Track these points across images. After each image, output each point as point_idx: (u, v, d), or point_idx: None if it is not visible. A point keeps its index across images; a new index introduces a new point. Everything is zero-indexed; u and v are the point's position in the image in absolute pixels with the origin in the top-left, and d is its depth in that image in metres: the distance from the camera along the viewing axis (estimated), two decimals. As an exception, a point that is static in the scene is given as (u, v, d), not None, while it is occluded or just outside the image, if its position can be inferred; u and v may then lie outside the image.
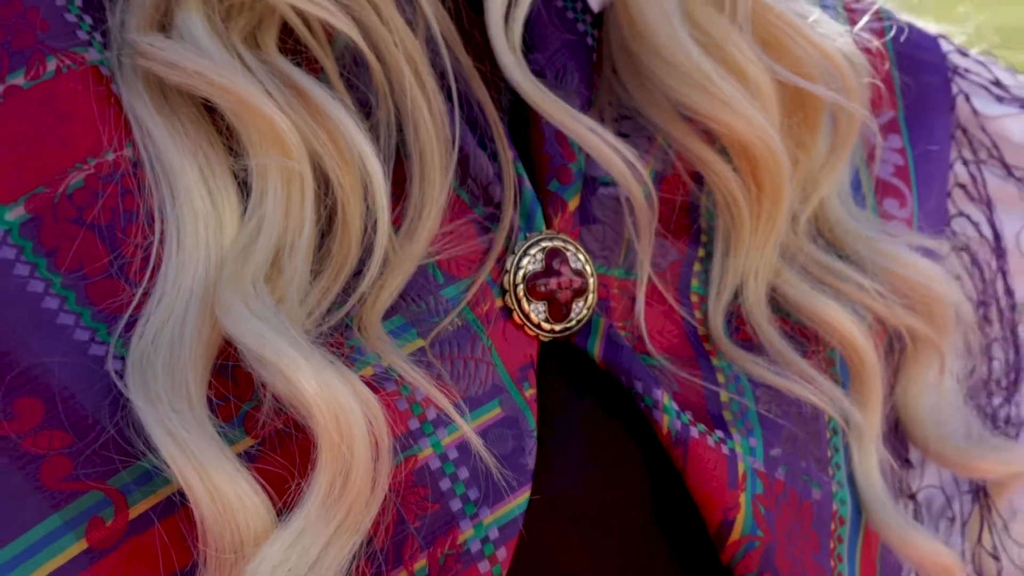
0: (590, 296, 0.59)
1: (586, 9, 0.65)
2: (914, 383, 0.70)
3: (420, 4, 0.57)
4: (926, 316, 0.69)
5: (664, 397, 0.58)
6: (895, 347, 0.69)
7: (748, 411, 0.62)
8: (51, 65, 0.54)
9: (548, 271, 0.58)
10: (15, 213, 0.53)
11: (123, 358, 0.52)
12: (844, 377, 0.67)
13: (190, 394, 0.50)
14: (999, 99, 0.79)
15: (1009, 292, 0.77)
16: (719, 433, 0.60)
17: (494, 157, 0.59)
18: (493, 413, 0.55)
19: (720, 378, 0.62)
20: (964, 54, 0.80)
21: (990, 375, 0.76)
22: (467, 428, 0.53)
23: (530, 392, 0.56)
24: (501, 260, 0.58)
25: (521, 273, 0.58)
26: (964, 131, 0.78)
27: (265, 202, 0.53)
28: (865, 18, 0.74)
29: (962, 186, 0.75)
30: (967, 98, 0.78)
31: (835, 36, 0.67)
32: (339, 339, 0.53)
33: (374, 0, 0.55)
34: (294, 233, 0.53)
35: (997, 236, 0.78)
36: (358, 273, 0.54)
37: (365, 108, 0.56)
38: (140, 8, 0.55)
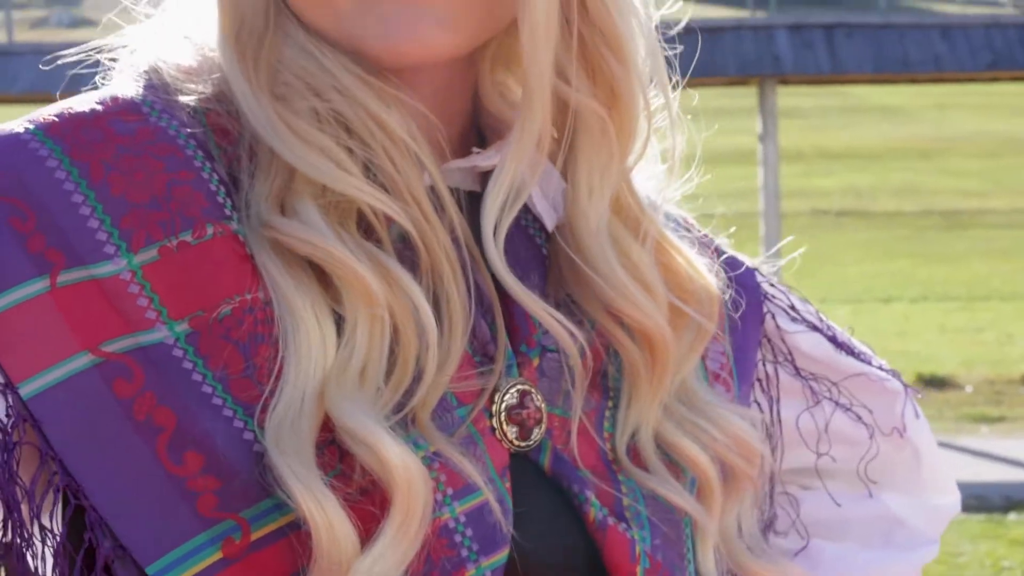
0: (543, 425, 0.87)
1: (542, 228, 0.93)
2: (734, 506, 0.97)
3: (448, 210, 0.85)
4: (747, 460, 0.96)
5: (591, 496, 0.87)
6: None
7: (640, 513, 0.90)
8: (209, 230, 0.81)
9: (521, 405, 0.86)
10: (182, 327, 0.80)
11: (253, 431, 0.79)
12: (693, 494, 0.95)
13: (306, 454, 0.76)
14: (793, 319, 1.09)
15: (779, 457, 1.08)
16: (623, 525, 0.88)
17: (489, 324, 0.86)
18: (484, 496, 0.82)
19: (624, 489, 0.90)
20: (771, 284, 1.10)
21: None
22: (491, 496, 0.82)
23: (507, 484, 0.84)
24: (492, 395, 0.86)
25: (504, 404, 0.86)
26: (769, 340, 1.08)
27: (356, 335, 0.80)
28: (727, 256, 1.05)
29: (759, 380, 1.05)
30: (773, 316, 1.08)
31: (708, 270, 0.95)
32: (400, 431, 0.80)
33: (420, 203, 0.82)
34: (374, 357, 0.80)
35: (775, 420, 1.07)
36: (407, 391, 0.81)
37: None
38: (264, 195, 0.82)
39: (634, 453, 0.91)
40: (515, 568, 0.82)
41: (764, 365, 1.07)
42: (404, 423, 0.80)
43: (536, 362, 0.88)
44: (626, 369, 0.93)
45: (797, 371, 1.09)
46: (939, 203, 30.52)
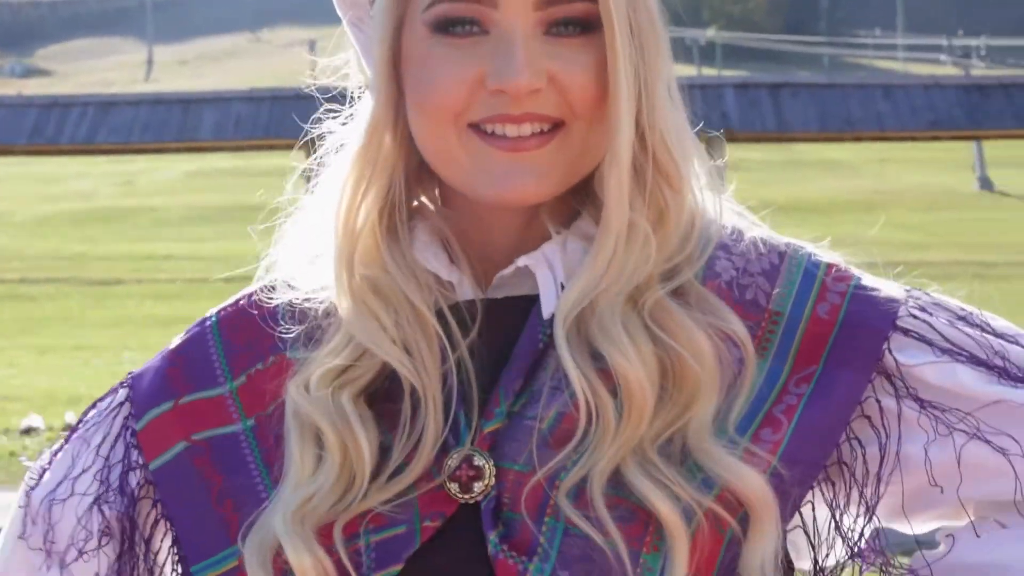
0: (487, 480, 1.10)
1: (542, 321, 1.14)
2: (755, 544, 1.07)
3: (462, 354, 1.15)
4: (743, 504, 1.06)
5: (492, 535, 1.08)
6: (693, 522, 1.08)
7: (549, 550, 1.07)
8: (271, 359, 1.19)
9: (459, 467, 1.09)
10: (251, 422, 1.16)
11: (268, 494, 1.16)
12: (661, 544, 1.06)
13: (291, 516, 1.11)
14: (930, 349, 1.11)
15: (877, 490, 1.11)
16: (517, 558, 1.07)
17: (466, 411, 1.14)
18: (396, 532, 1.11)
19: (544, 529, 1.08)
20: (919, 311, 1.13)
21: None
22: (401, 532, 1.12)
23: (428, 524, 1.10)
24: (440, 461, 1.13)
25: (447, 468, 1.12)
26: (888, 377, 1.11)
27: (324, 468, 1.11)
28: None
29: (867, 417, 1.10)
30: (892, 352, 1.11)
31: (706, 335, 1.10)
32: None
33: (426, 363, 1.12)
34: (327, 491, 1.11)
35: (884, 453, 1.10)
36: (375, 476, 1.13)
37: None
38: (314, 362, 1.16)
39: (581, 495, 1.07)
40: None
41: (879, 400, 1.11)
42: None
43: (490, 429, 1.11)
44: (600, 423, 1.08)
45: (921, 404, 1.10)
46: (882, 255, 31.06)
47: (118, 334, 24.13)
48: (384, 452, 1.10)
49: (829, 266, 1.18)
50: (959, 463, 1.08)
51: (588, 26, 1.09)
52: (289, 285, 1.18)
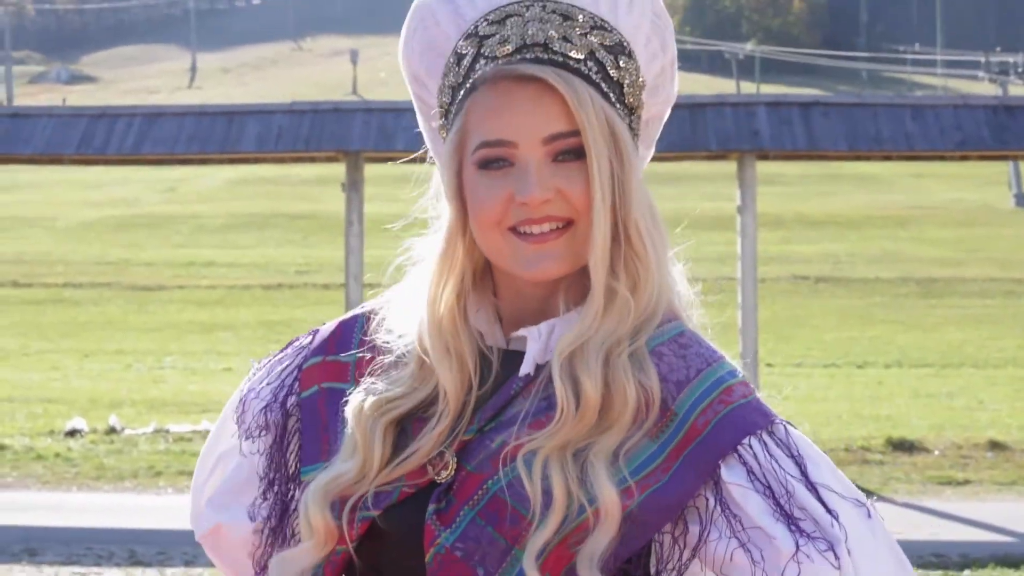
0: (450, 471, 1.56)
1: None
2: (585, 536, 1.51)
3: (492, 366, 1.60)
4: (604, 512, 1.47)
5: (431, 508, 1.53)
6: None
7: (460, 522, 1.52)
8: (368, 356, 1.68)
9: (432, 460, 1.59)
10: (351, 387, 1.61)
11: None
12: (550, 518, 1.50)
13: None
14: (750, 477, 1.51)
15: (684, 563, 1.53)
16: (438, 527, 1.52)
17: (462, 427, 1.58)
18: (391, 489, 1.59)
19: (463, 510, 1.53)
20: (752, 446, 1.51)
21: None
22: (386, 495, 1.59)
23: (406, 490, 1.57)
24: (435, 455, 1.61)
25: (430, 459, 1.59)
26: (715, 484, 1.52)
27: (353, 460, 1.59)
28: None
29: (697, 508, 1.53)
30: (722, 469, 1.51)
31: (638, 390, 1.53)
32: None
33: (458, 392, 1.60)
34: (349, 470, 1.59)
35: (700, 535, 1.51)
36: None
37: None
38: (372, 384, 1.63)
39: (516, 484, 1.51)
40: (382, 524, 1.55)
41: (705, 496, 1.52)
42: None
43: (465, 438, 1.55)
44: (562, 418, 1.52)
45: (724, 510, 1.52)
46: (915, 271, 31.13)
47: (160, 339, 24.48)
48: (403, 447, 1.59)
49: (728, 388, 1.55)
50: (731, 559, 1.51)
51: (582, 152, 1.55)
52: (388, 328, 1.66)
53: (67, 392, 18.28)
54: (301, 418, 1.67)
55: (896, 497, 11.21)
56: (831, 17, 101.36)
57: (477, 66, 1.59)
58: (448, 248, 1.59)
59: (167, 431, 14.34)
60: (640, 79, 1.61)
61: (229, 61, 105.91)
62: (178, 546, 9.46)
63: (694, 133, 13.06)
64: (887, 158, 14.23)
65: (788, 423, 1.55)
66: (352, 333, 1.69)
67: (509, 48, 1.58)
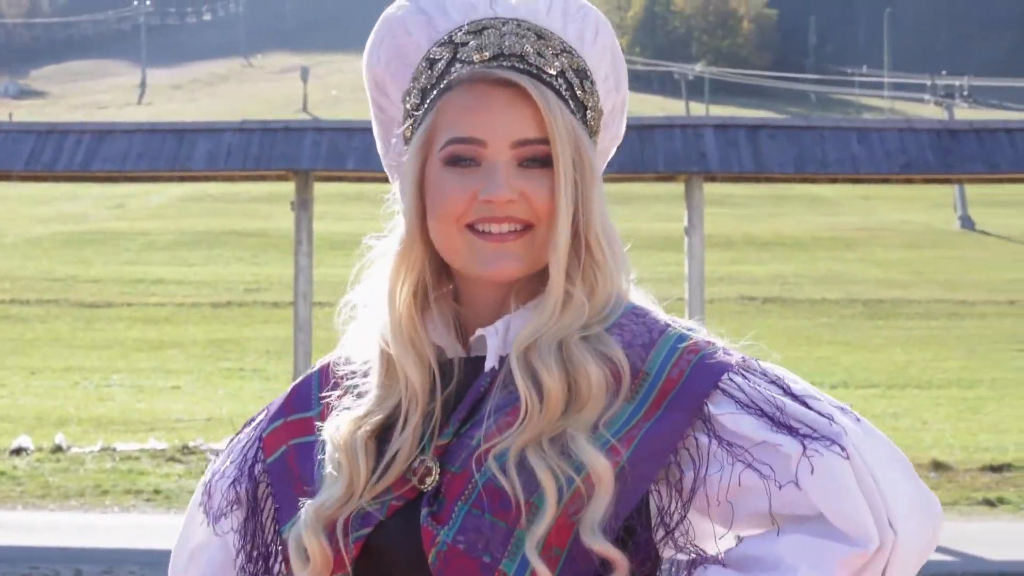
0: (433, 477, 1.57)
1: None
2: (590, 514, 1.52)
3: (452, 377, 1.62)
4: (597, 481, 1.50)
5: (424, 511, 1.54)
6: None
7: (455, 520, 1.53)
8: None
9: (419, 467, 1.59)
10: (320, 437, 1.68)
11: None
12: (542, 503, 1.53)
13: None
14: (736, 404, 1.53)
15: (690, 498, 1.53)
16: (435, 526, 1.53)
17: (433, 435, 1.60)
18: (373, 508, 1.59)
19: (455, 509, 1.55)
20: (732, 379, 1.53)
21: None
22: (375, 509, 1.59)
23: (393, 503, 1.58)
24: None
25: (410, 467, 1.60)
26: (704, 421, 1.53)
27: (338, 482, 1.61)
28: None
29: (687, 449, 1.55)
30: (708, 405, 1.53)
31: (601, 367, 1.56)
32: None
33: (420, 402, 1.60)
34: (335, 496, 1.60)
35: (695, 475, 1.52)
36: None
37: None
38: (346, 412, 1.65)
39: (503, 462, 1.53)
40: (377, 541, 1.56)
41: (695, 437, 1.54)
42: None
43: (442, 443, 1.57)
44: (528, 415, 1.54)
45: (719, 442, 1.53)
46: (862, 292, 31.36)
47: (107, 356, 24.35)
48: (380, 459, 1.61)
49: (691, 341, 1.60)
50: (739, 484, 1.52)
51: (547, 162, 1.61)
52: (348, 360, 1.68)
53: (13, 410, 18.14)
54: (271, 482, 1.69)
55: (840, 516, 11.29)
56: (780, 39, 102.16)
57: (452, 69, 1.63)
58: (406, 246, 1.62)
59: (114, 449, 14.28)
60: (599, 106, 1.68)
61: (179, 77, 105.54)
62: (124, 564, 9.43)
63: (643, 154, 13.17)
64: (833, 180, 14.38)
65: (756, 359, 1.59)
66: (309, 391, 1.72)
67: (487, 55, 1.63)
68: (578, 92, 1.64)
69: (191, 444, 14.32)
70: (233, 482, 1.70)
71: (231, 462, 1.72)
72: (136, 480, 12.51)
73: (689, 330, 1.61)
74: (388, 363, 1.63)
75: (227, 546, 1.70)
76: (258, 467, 1.70)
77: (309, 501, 1.60)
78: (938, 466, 13.63)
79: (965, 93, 59.75)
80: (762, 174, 13.52)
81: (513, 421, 1.55)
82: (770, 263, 34.70)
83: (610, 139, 1.74)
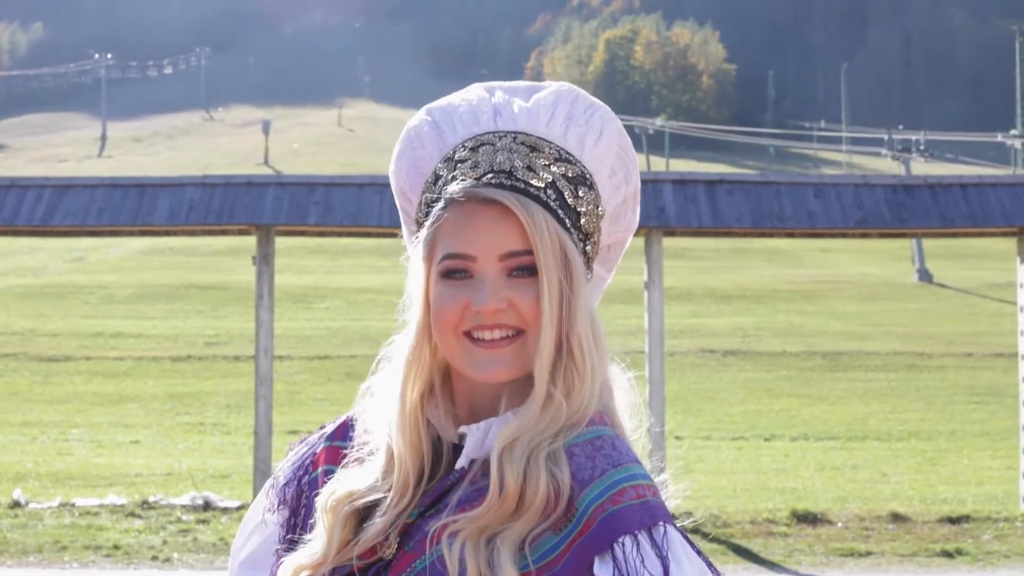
0: (391, 548, 1.76)
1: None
2: None
3: (442, 459, 1.80)
4: None
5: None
6: None
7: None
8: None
9: (383, 539, 1.77)
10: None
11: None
12: None
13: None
14: (617, 572, 1.65)
15: None
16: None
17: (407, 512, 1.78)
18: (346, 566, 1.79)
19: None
20: (624, 545, 1.65)
21: None
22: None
23: (358, 564, 1.77)
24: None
25: (379, 543, 1.78)
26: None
27: (318, 544, 1.82)
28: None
29: None
30: (595, 565, 1.66)
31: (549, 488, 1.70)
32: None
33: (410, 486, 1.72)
34: (314, 554, 1.82)
35: None
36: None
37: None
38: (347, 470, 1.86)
39: (438, 564, 1.68)
40: None
41: None
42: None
43: (405, 522, 1.73)
44: (482, 509, 1.69)
45: None
46: (821, 344, 31.51)
47: (66, 411, 24.15)
48: (360, 528, 1.77)
49: (621, 489, 1.69)
50: None
51: (534, 271, 1.73)
52: (365, 430, 1.85)
53: (-30, 465, 17.97)
54: (309, 495, 1.87)
55: (800, 569, 11.37)
56: (739, 94, 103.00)
57: (449, 187, 1.77)
58: (416, 350, 1.78)
59: (73, 505, 14.18)
60: (600, 208, 1.80)
61: (140, 130, 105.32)
62: (83, 622, 9.35)
63: (603, 209, 13.27)
64: (790, 235, 14.53)
65: (674, 526, 1.69)
66: (352, 426, 1.88)
67: (478, 172, 1.76)
68: (569, 200, 1.76)
69: (151, 499, 14.24)
70: (286, 484, 1.91)
71: (291, 463, 1.93)
72: (95, 536, 12.44)
73: (630, 476, 1.71)
74: (390, 455, 1.78)
75: (274, 535, 1.90)
76: (306, 477, 1.89)
77: (289, 557, 1.80)
78: (897, 518, 13.71)
79: (921, 147, 60.39)
80: (720, 229, 13.65)
81: (472, 510, 1.69)
82: (730, 315, 34.85)
83: (623, 229, 1.87)
